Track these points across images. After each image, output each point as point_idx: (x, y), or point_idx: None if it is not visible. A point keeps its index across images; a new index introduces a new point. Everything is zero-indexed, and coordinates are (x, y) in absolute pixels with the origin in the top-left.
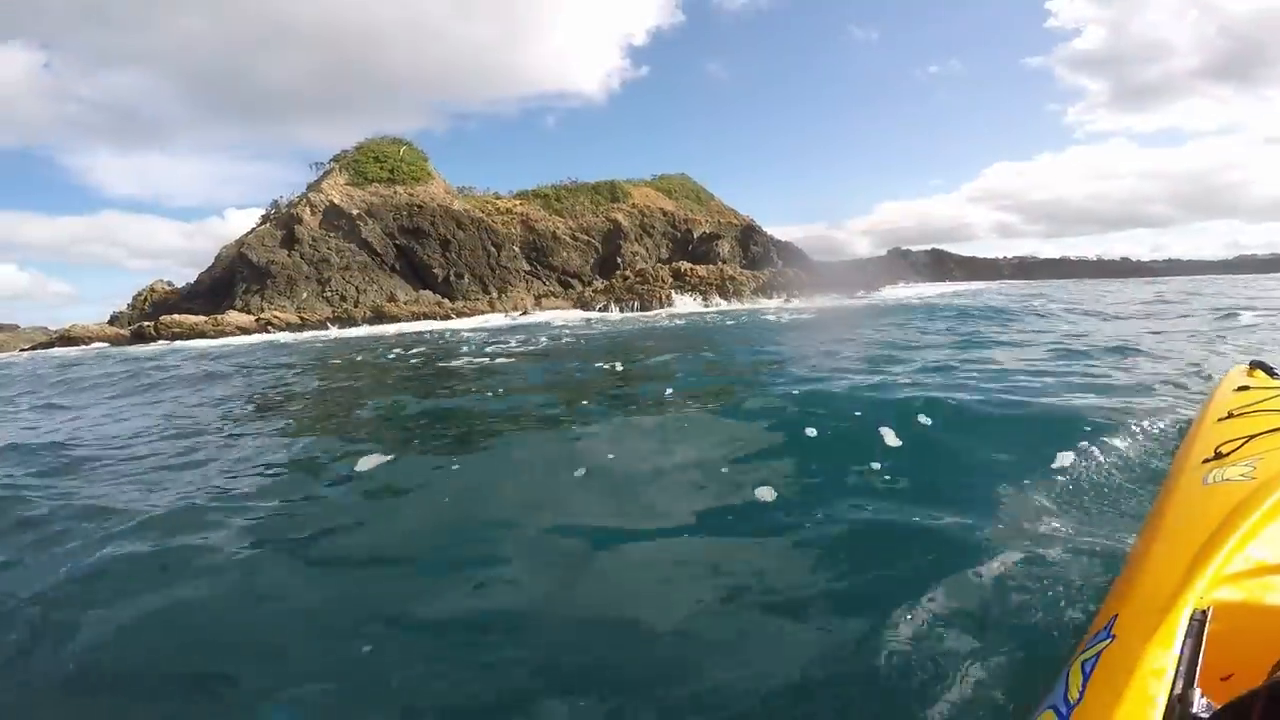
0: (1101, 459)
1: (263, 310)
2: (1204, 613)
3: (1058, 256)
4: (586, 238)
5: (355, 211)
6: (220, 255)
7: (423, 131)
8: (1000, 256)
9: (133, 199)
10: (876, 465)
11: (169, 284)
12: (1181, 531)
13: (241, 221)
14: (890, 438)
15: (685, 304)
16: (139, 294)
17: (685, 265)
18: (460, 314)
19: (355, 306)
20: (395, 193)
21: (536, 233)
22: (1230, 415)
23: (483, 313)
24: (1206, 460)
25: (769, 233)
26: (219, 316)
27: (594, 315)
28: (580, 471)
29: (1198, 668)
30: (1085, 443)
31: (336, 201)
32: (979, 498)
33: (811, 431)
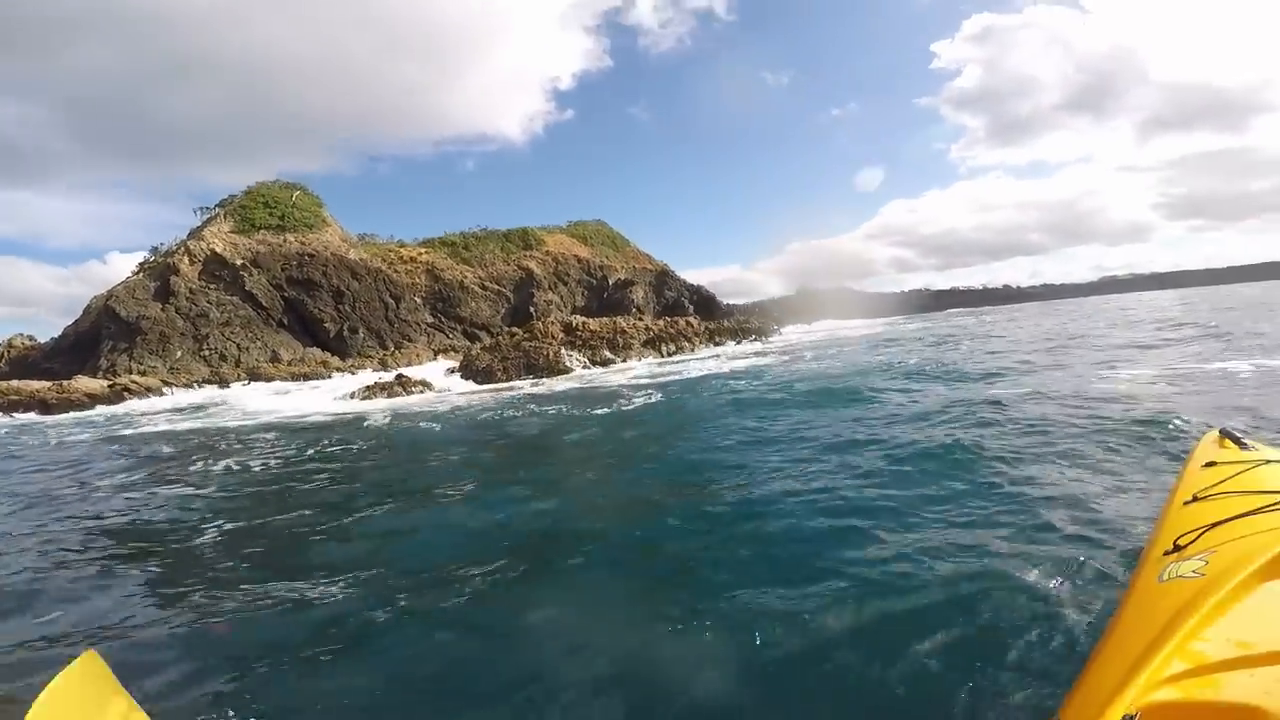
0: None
1: (131, 371)
2: (1132, 718)
3: (949, 288)
4: (497, 287)
5: (239, 261)
6: (90, 307)
7: (331, 173)
8: (898, 290)
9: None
10: None
11: (30, 339)
12: (1129, 634)
13: (125, 267)
14: None
15: (577, 365)
16: None
17: (577, 319)
18: (350, 370)
19: (236, 366)
20: (285, 241)
21: (443, 282)
22: (1195, 499)
23: (374, 370)
24: (1166, 553)
25: (683, 277)
26: (64, 382)
27: (454, 389)
28: None
29: None
30: None
31: (219, 250)
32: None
33: None
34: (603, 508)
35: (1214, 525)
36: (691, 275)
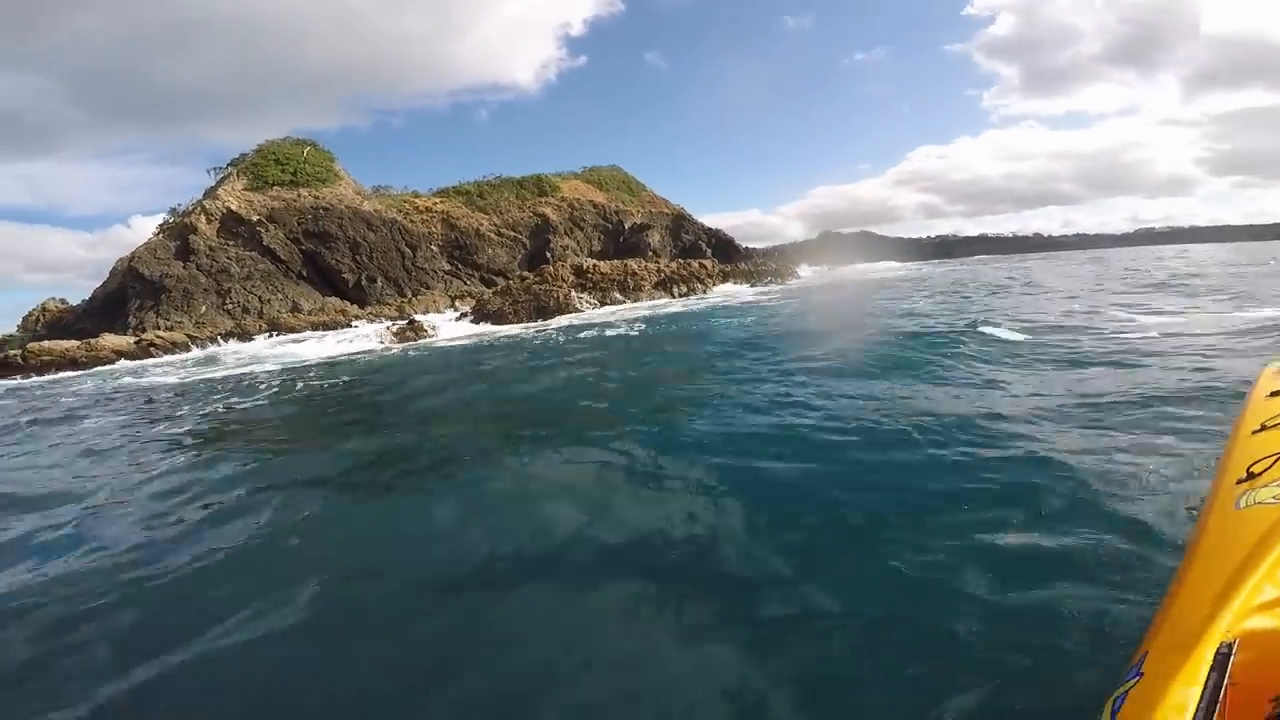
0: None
1: (159, 328)
2: (1230, 645)
3: (977, 234)
4: (513, 234)
5: (255, 218)
6: (115, 269)
7: (345, 129)
8: (924, 236)
9: (24, 209)
10: None
11: (62, 301)
12: (1213, 561)
13: (148, 229)
14: None
15: (586, 306)
16: (30, 313)
17: (589, 263)
18: (368, 318)
19: (260, 318)
20: (299, 196)
21: (459, 231)
22: (1263, 428)
23: (391, 318)
24: (1240, 481)
25: (700, 221)
26: (92, 341)
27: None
28: None
29: (1218, 704)
30: None
31: (234, 208)
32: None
33: None
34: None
35: (1241, 443)
36: (710, 219)
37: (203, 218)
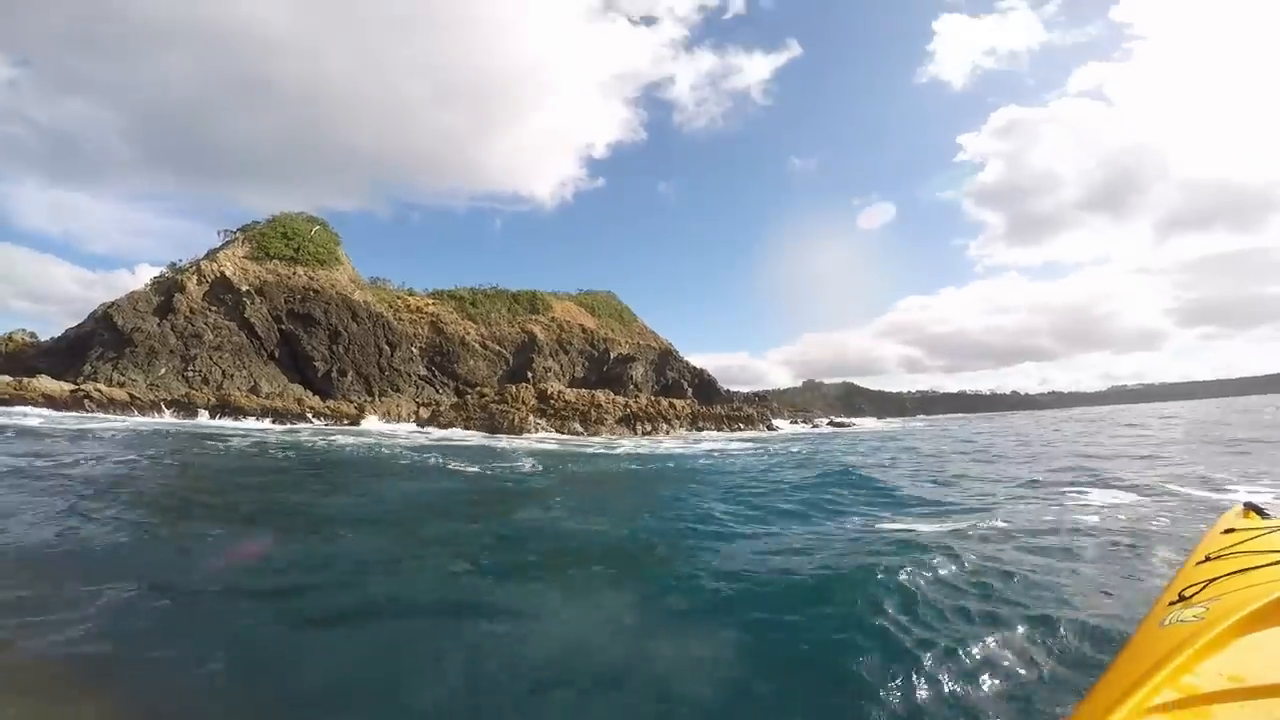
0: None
1: (110, 381)
2: None
3: (956, 391)
4: (498, 347)
5: (245, 287)
6: (95, 313)
7: (364, 214)
8: (906, 391)
9: (41, 235)
10: None
11: (31, 335)
12: (1126, 670)
13: (148, 279)
14: None
15: (542, 432)
16: None
17: (554, 389)
18: (324, 415)
19: (216, 390)
20: (294, 273)
21: (444, 336)
22: (1208, 559)
23: (346, 416)
24: (1172, 603)
25: (687, 359)
26: (25, 380)
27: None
28: None
29: None
30: None
31: (228, 273)
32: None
33: None
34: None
35: (1220, 578)
36: (698, 358)
37: (194, 278)
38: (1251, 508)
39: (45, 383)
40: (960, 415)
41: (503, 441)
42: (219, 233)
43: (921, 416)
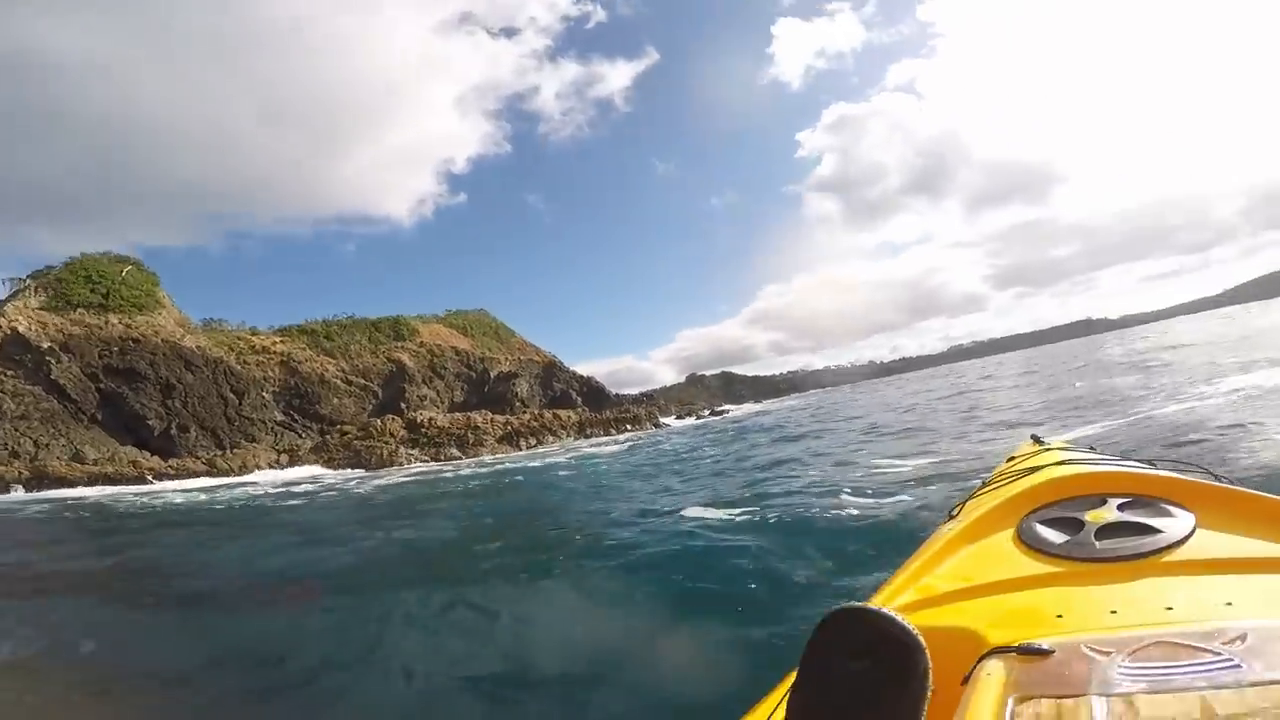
0: None
1: None
2: None
3: (822, 368)
4: (364, 381)
5: (46, 344)
6: None
7: (191, 250)
8: (777, 373)
9: None
10: None
11: None
12: (889, 581)
13: None
14: None
15: (416, 463)
16: None
17: (423, 416)
18: (170, 472)
19: (30, 462)
20: (106, 323)
21: (300, 376)
22: (984, 485)
23: (194, 475)
24: (942, 521)
25: (573, 369)
26: None
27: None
28: None
29: None
30: None
31: (21, 329)
32: None
33: None
34: None
35: (976, 494)
36: (584, 367)
37: None
38: (1034, 438)
39: None
40: (825, 389)
41: (367, 480)
42: (3, 281)
43: (795, 395)
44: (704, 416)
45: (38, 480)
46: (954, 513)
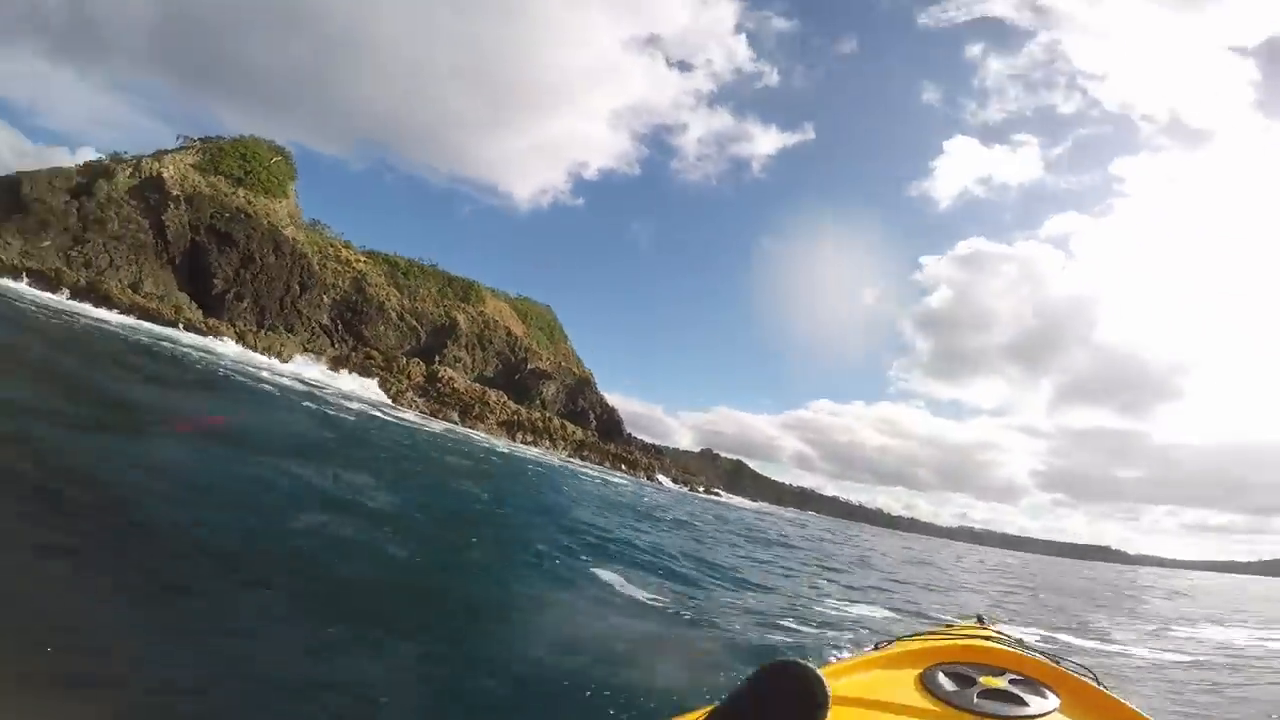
0: None
1: None
2: None
3: (831, 496)
4: (414, 322)
5: (176, 192)
6: (6, 177)
7: (338, 160)
8: (788, 483)
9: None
10: None
11: None
12: None
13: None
14: None
15: (411, 408)
16: None
17: (445, 373)
18: (195, 328)
19: (86, 270)
20: (234, 193)
21: (364, 295)
22: (916, 634)
23: (220, 335)
24: (869, 647)
25: (602, 394)
26: None
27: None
28: None
29: None
30: None
31: (165, 175)
32: None
33: None
34: None
35: (905, 637)
36: (615, 398)
37: (128, 171)
38: (979, 617)
39: None
40: (831, 517)
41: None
42: (177, 137)
43: (794, 510)
44: (696, 491)
45: (87, 291)
46: (879, 645)
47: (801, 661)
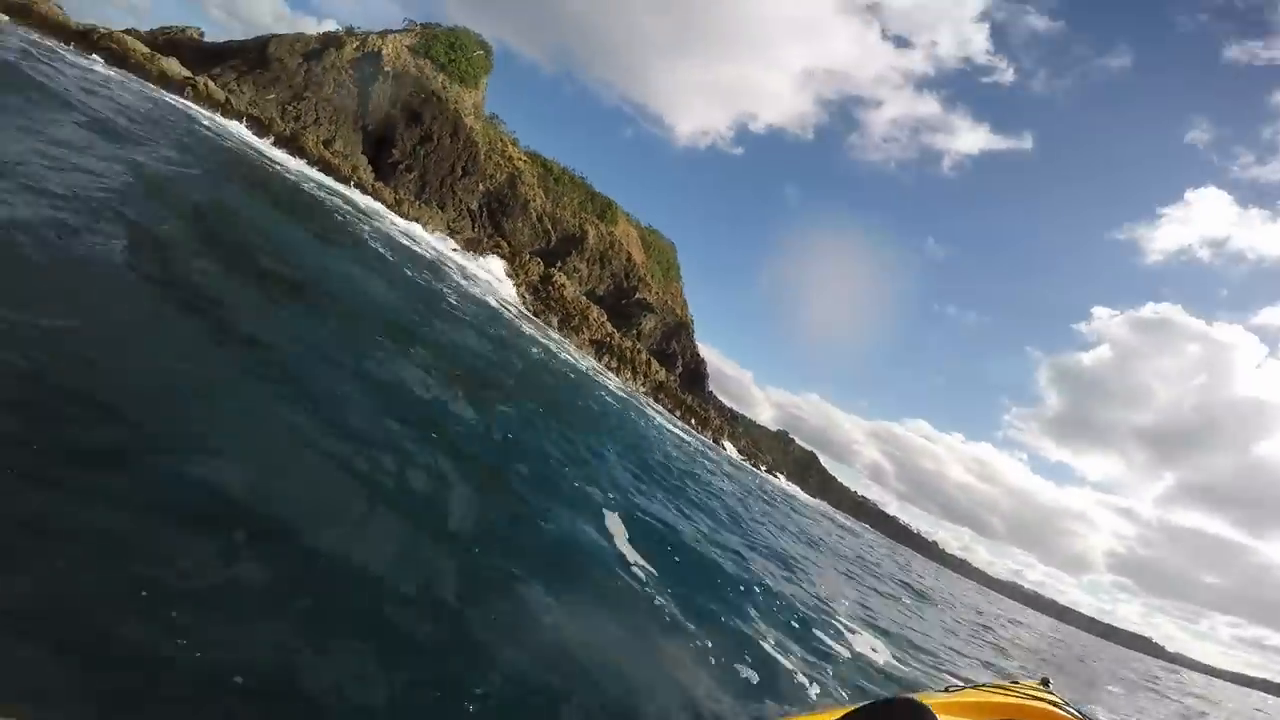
0: None
1: (226, 86)
2: None
3: (892, 515)
4: (548, 226)
5: (388, 69)
6: (259, 37)
7: (534, 63)
8: (853, 490)
9: None
10: None
11: (199, 33)
12: None
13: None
14: None
15: (514, 300)
16: (165, 27)
17: (560, 278)
18: (365, 190)
19: (293, 123)
20: (435, 78)
21: (515, 193)
22: (982, 685)
23: (380, 198)
24: (938, 691)
25: (697, 343)
26: (156, 55)
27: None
28: None
29: None
30: None
31: (384, 52)
32: None
33: None
34: None
35: (973, 686)
36: (710, 351)
37: (356, 43)
38: (1044, 680)
39: (168, 64)
40: (882, 535)
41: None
42: (404, 20)
43: (850, 517)
44: (759, 469)
45: (288, 140)
46: (949, 689)
47: (916, 699)
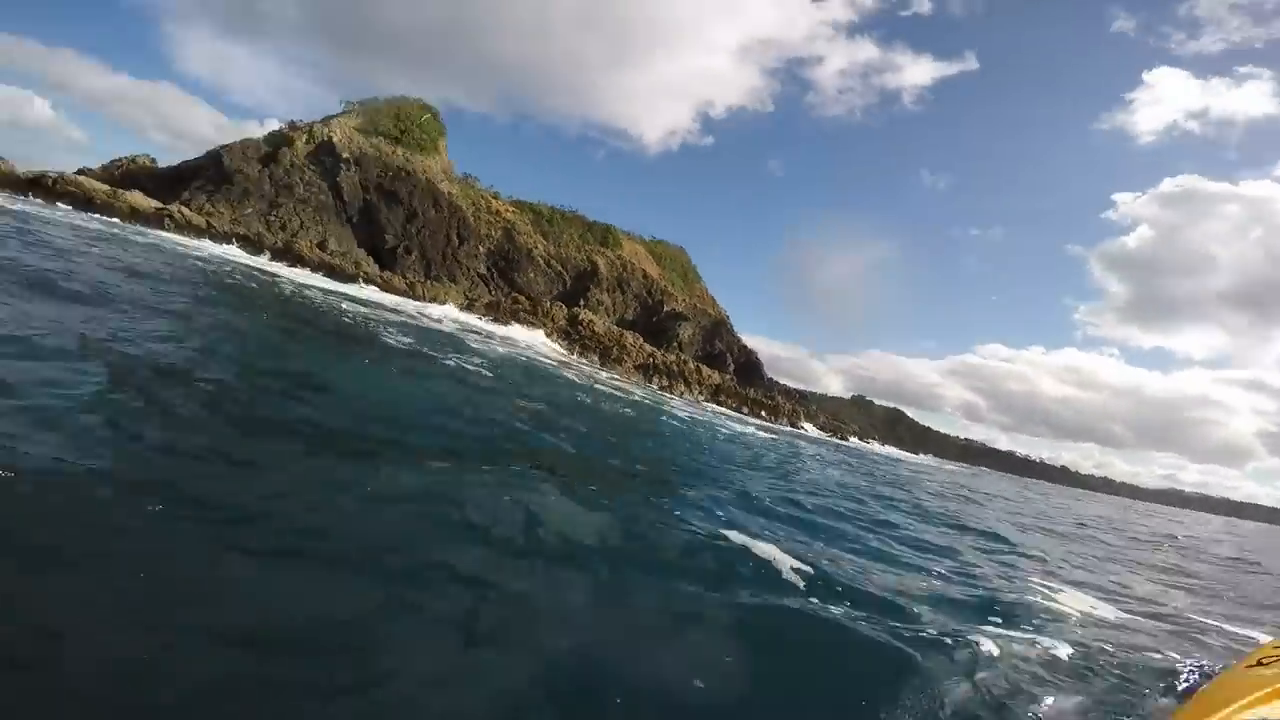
0: None
1: (201, 210)
2: None
3: (1006, 450)
4: (560, 268)
5: (346, 155)
6: (209, 152)
7: (483, 116)
8: (954, 435)
9: (195, 80)
10: None
11: (152, 161)
12: (1217, 699)
13: None
14: None
15: (549, 348)
16: (119, 160)
17: (585, 315)
18: (379, 282)
19: (291, 236)
20: (394, 152)
21: (514, 245)
22: (1259, 663)
23: (395, 290)
24: (1250, 666)
25: (740, 336)
26: (119, 192)
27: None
28: None
29: None
30: None
31: (335, 140)
32: None
33: None
34: None
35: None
36: (753, 340)
37: (304, 137)
38: None
39: (135, 198)
40: (1005, 474)
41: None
42: (341, 102)
43: (959, 464)
44: (847, 440)
45: (284, 252)
46: (1265, 662)
47: None
